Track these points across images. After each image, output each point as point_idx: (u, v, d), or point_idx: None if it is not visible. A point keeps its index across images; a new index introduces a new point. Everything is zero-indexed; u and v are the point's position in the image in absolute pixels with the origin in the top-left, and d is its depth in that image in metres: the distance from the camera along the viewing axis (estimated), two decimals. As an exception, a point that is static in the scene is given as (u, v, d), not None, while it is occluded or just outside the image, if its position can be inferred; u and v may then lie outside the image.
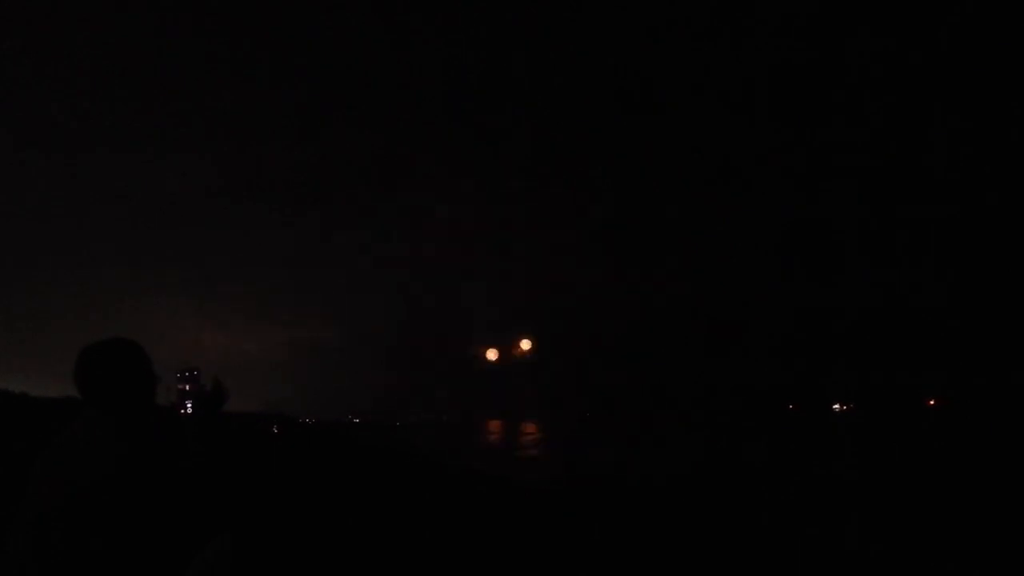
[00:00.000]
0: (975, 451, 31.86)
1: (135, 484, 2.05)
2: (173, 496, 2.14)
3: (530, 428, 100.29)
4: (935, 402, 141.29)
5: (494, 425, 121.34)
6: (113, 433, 2.12)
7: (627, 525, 9.30)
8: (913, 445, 37.94)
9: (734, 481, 19.97)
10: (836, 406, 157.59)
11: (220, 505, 2.32)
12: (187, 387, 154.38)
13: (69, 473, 2.03)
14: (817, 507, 13.94)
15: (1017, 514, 12.51)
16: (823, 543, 9.19)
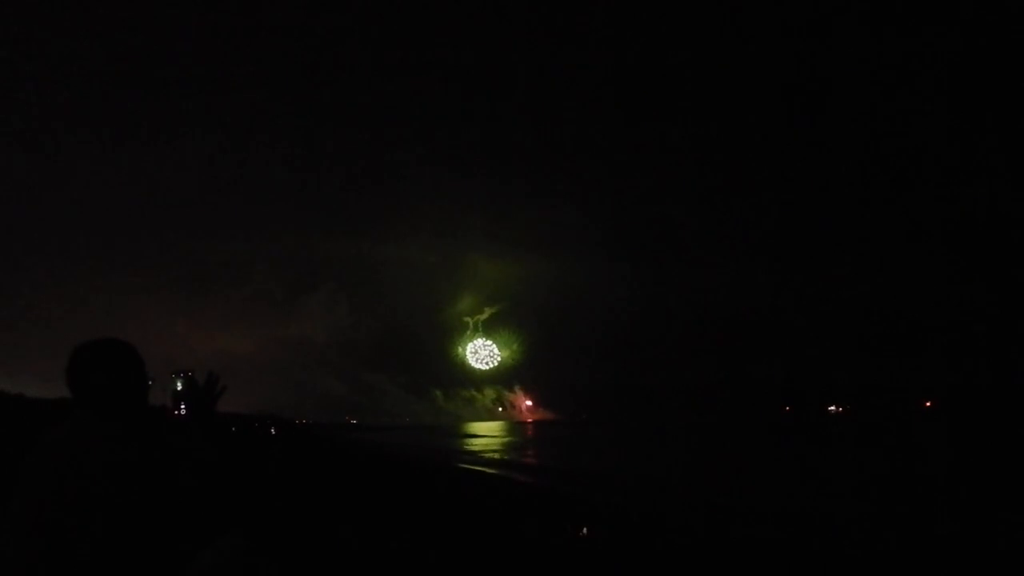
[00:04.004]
0: (973, 452, 31.93)
1: (125, 487, 2.03)
2: (169, 498, 2.12)
3: (529, 430, 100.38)
4: (931, 403, 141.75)
5: (490, 427, 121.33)
6: (103, 437, 2.09)
7: (625, 526, 9.30)
8: (910, 446, 38.02)
9: (730, 483, 19.97)
10: (832, 407, 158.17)
11: (223, 505, 2.30)
12: (178, 386, 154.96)
13: (59, 475, 2.01)
14: (815, 509, 13.93)
15: (1017, 516, 12.52)
16: (822, 544, 9.19)
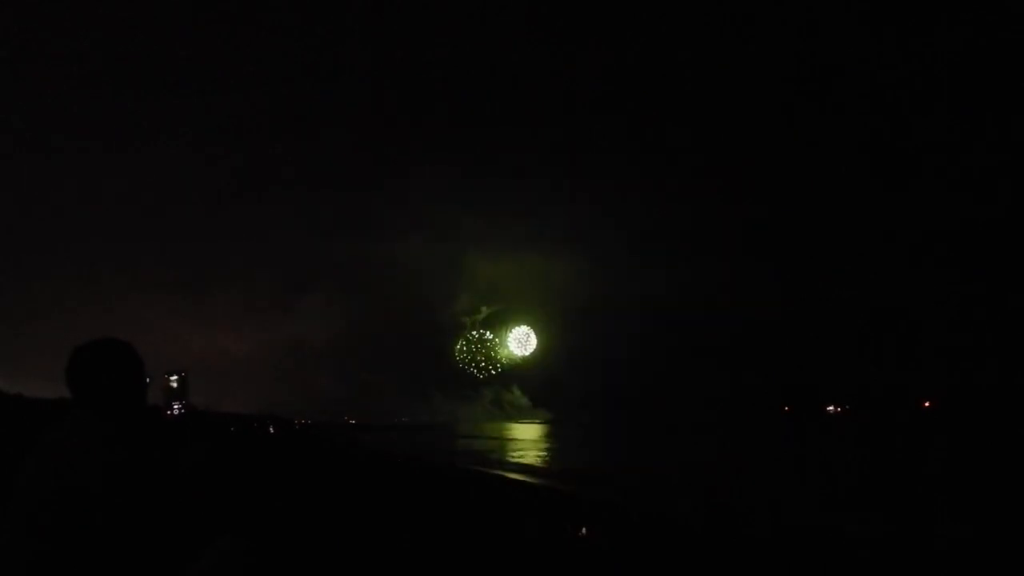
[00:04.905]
0: (972, 453, 31.93)
1: (125, 487, 2.03)
2: (166, 498, 2.12)
3: (527, 431, 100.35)
4: (931, 403, 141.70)
5: (488, 427, 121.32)
6: (102, 437, 2.09)
7: (625, 526, 9.29)
8: (909, 447, 38.01)
9: (730, 482, 19.96)
10: (831, 408, 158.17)
11: (222, 505, 2.30)
12: (173, 385, 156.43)
13: (59, 475, 2.01)
14: (815, 509, 13.93)
15: (1015, 516, 12.52)
16: (822, 544, 9.19)
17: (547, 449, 43.53)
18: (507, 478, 19.86)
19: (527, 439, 63.55)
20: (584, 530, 8.51)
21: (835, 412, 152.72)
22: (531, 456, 35.41)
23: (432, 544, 6.58)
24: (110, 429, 2.12)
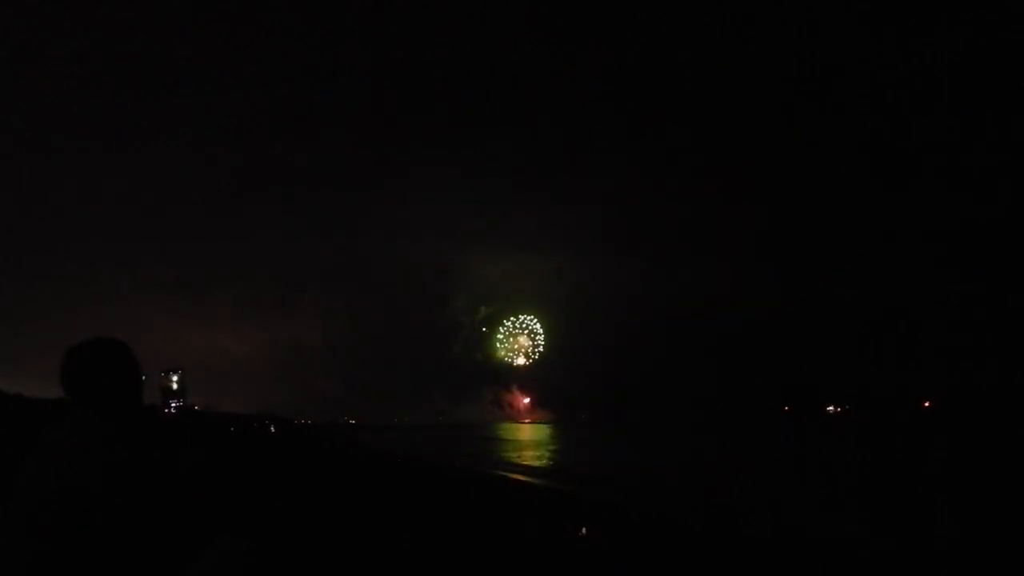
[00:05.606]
0: (972, 453, 31.91)
1: (125, 487, 2.02)
2: (166, 498, 2.12)
3: (527, 431, 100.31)
4: (931, 403, 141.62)
5: (488, 428, 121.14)
6: (102, 437, 2.09)
7: (625, 526, 9.29)
8: (909, 447, 37.99)
9: (730, 482, 19.95)
10: (831, 408, 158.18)
11: (222, 505, 2.30)
12: (174, 384, 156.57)
13: (59, 475, 2.00)
14: (815, 510, 13.92)
15: (1015, 516, 12.51)
16: (821, 544, 9.19)
17: (547, 449, 43.51)
18: (507, 478, 19.86)
19: (526, 439, 63.52)
20: (584, 530, 8.51)
21: (835, 412, 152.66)
22: (531, 456, 35.37)
23: (432, 544, 6.58)
24: (110, 429, 2.12)
